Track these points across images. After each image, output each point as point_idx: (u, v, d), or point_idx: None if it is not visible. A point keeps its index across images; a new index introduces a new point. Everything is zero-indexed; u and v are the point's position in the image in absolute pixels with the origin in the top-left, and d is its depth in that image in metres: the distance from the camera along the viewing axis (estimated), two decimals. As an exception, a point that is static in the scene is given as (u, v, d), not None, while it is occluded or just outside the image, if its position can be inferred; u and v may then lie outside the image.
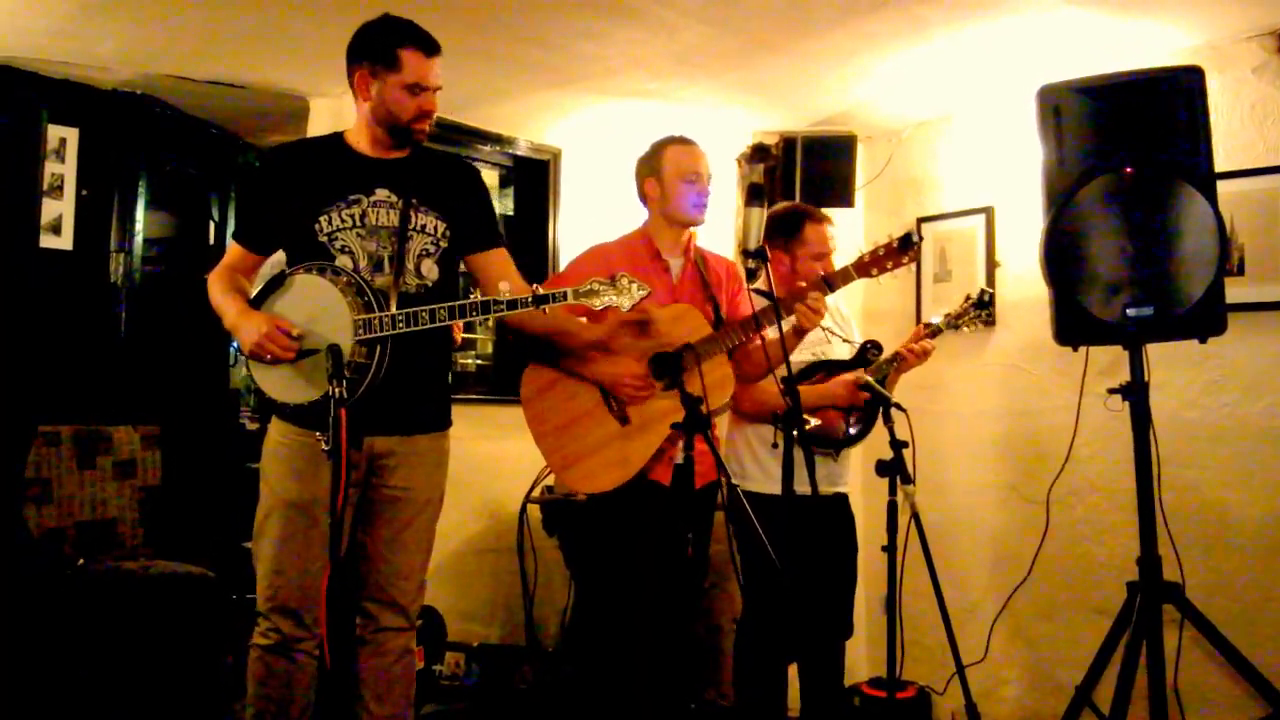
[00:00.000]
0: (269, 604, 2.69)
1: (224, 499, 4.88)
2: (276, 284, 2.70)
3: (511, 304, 2.58)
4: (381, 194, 2.77)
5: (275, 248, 2.87)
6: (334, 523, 2.37)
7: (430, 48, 2.74)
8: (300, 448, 2.67)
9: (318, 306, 2.61)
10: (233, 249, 2.86)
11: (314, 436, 2.56)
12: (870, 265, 3.26)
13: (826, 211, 3.74)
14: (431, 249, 2.81)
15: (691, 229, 3.42)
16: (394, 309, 2.62)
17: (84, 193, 4.46)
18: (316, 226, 2.70)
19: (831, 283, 3.26)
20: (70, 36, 3.96)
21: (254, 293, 2.77)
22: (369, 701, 2.78)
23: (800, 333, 3.20)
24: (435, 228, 2.82)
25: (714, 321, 3.28)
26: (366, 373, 2.57)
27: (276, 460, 2.72)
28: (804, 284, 3.24)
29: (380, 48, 2.72)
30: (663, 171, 3.34)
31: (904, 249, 3.22)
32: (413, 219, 2.78)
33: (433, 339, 2.73)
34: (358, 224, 2.73)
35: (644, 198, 3.42)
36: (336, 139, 2.86)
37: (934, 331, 3.54)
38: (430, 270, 2.80)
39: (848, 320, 3.82)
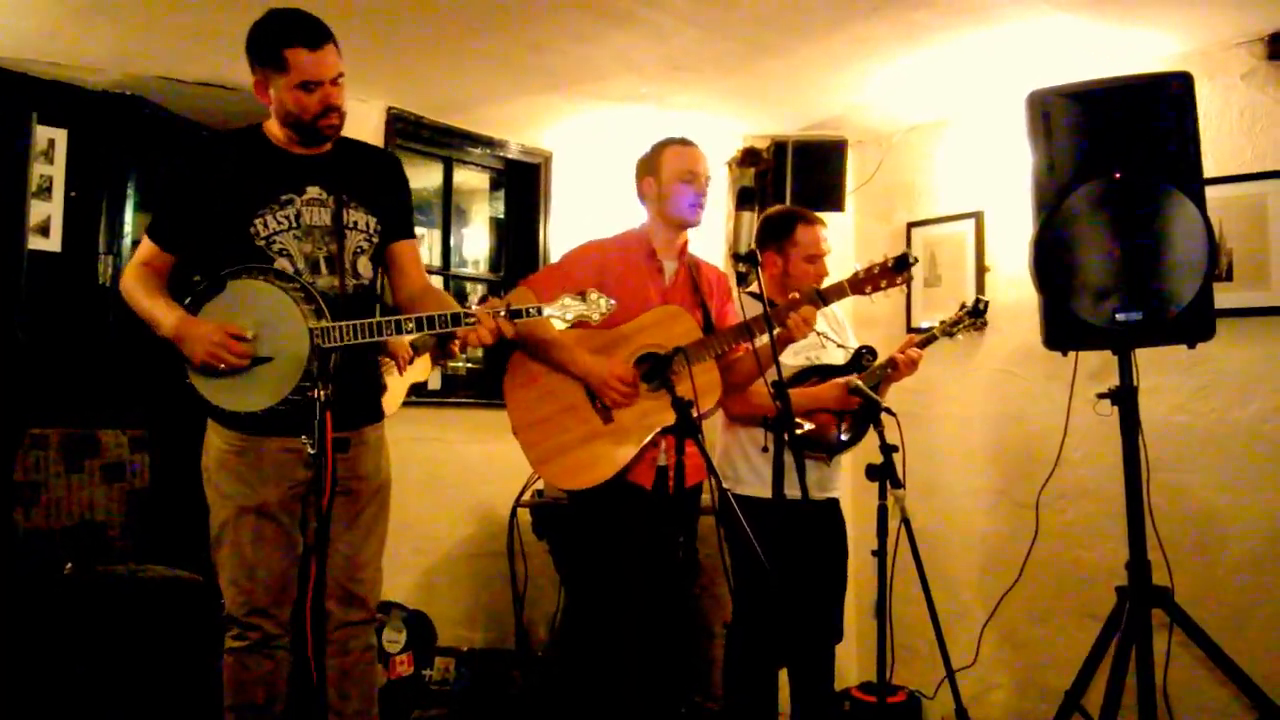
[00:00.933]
0: (244, 608, 2.67)
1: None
2: (213, 290, 2.62)
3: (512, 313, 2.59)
4: (313, 192, 2.72)
5: (193, 249, 2.74)
6: (321, 522, 2.36)
7: (314, 40, 2.59)
8: (248, 453, 2.65)
9: (265, 313, 2.57)
10: (147, 248, 2.73)
11: (262, 441, 2.59)
12: (864, 283, 3.26)
13: (818, 216, 3.74)
14: (365, 246, 2.79)
15: (686, 232, 3.41)
16: (341, 309, 2.61)
17: (73, 194, 4.45)
18: (253, 230, 2.64)
19: (825, 297, 3.26)
20: (59, 37, 3.94)
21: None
22: (334, 700, 2.76)
23: (789, 342, 3.21)
24: (367, 224, 2.79)
25: (703, 327, 3.28)
26: (322, 377, 2.53)
27: (225, 468, 2.68)
28: (797, 295, 3.24)
29: (267, 51, 2.61)
30: (661, 171, 3.34)
31: (899, 269, 3.22)
32: (346, 216, 2.74)
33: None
34: (294, 225, 2.68)
35: (642, 197, 3.42)
36: (256, 132, 2.75)
37: (929, 338, 3.55)
38: (366, 268, 2.79)
39: (843, 326, 3.83)
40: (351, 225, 2.76)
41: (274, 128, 2.73)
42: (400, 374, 3.82)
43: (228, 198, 2.64)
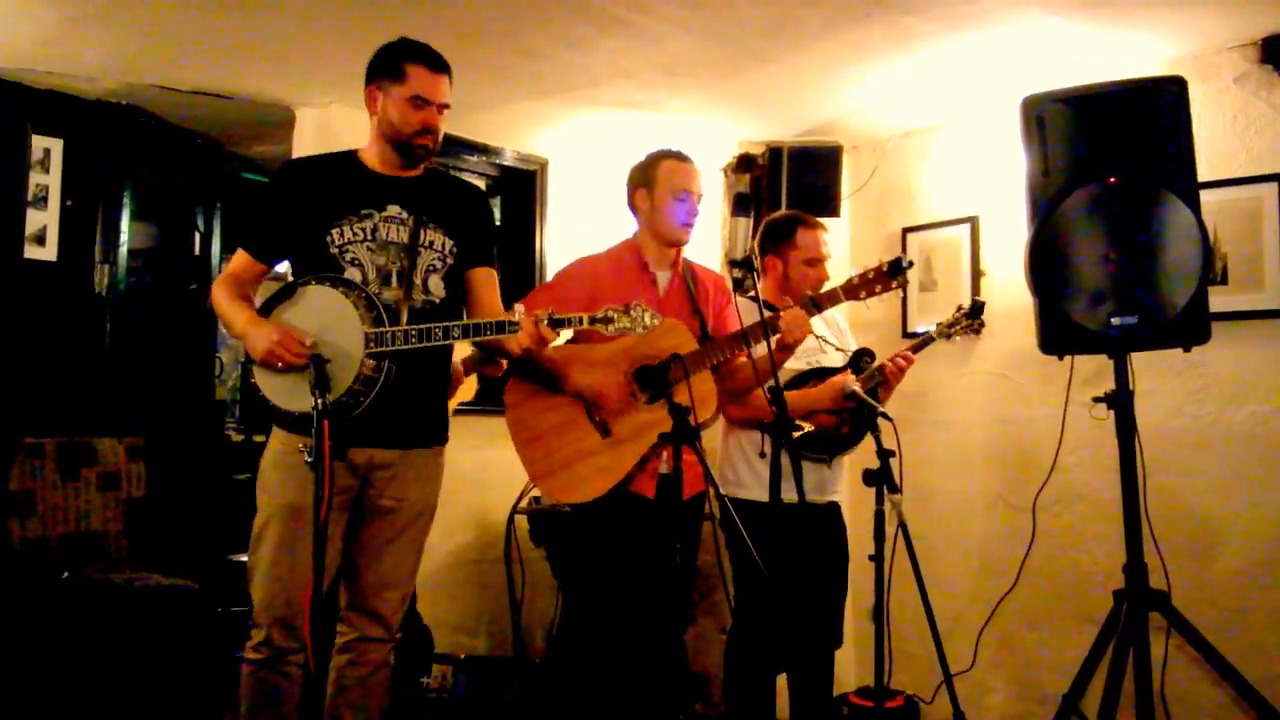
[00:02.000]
0: (266, 613, 2.69)
1: (209, 511, 4.86)
2: (285, 295, 2.73)
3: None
4: (393, 210, 2.82)
5: (282, 258, 2.91)
6: (318, 532, 2.36)
7: (437, 65, 2.80)
8: (300, 455, 2.65)
9: (328, 317, 2.64)
10: (239, 257, 2.87)
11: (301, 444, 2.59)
12: (859, 289, 3.28)
13: (819, 220, 3.76)
14: (439, 265, 2.85)
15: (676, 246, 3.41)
16: (404, 324, 2.66)
17: (68, 203, 4.45)
18: (328, 239, 2.74)
19: (819, 304, 3.27)
20: (55, 46, 3.94)
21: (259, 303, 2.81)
22: (343, 710, 2.79)
23: (786, 348, 3.21)
24: (443, 244, 2.86)
25: (700, 336, 3.28)
26: (374, 385, 2.61)
27: (277, 468, 2.74)
28: (790, 302, 3.24)
29: (389, 63, 2.79)
30: (654, 185, 3.34)
31: (893, 274, 3.24)
32: (422, 235, 2.82)
33: (435, 355, 2.77)
34: (369, 238, 2.77)
35: (634, 208, 3.42)
36: (350, 156, 2.90)
37: (925, 342, 3.56)
38: (437, 286, 2.84)
39: (844, 331, 3.84)
40: (427, 244, 2.83)
41: (368, 152, 2.88)
42: (450, 398, 3.79)
43: (311, 209, 2.77)
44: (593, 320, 2.64)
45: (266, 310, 2.73)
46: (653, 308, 3.25)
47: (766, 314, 3.07)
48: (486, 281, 2.97)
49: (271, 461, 2.77)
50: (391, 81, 2.77)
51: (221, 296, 2.79)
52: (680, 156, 3.38)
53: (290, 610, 2.67)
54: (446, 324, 2.64)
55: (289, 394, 2.65)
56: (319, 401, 2.41)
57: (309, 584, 2.44)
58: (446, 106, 2.83)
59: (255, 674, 2.70)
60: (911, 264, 3.30)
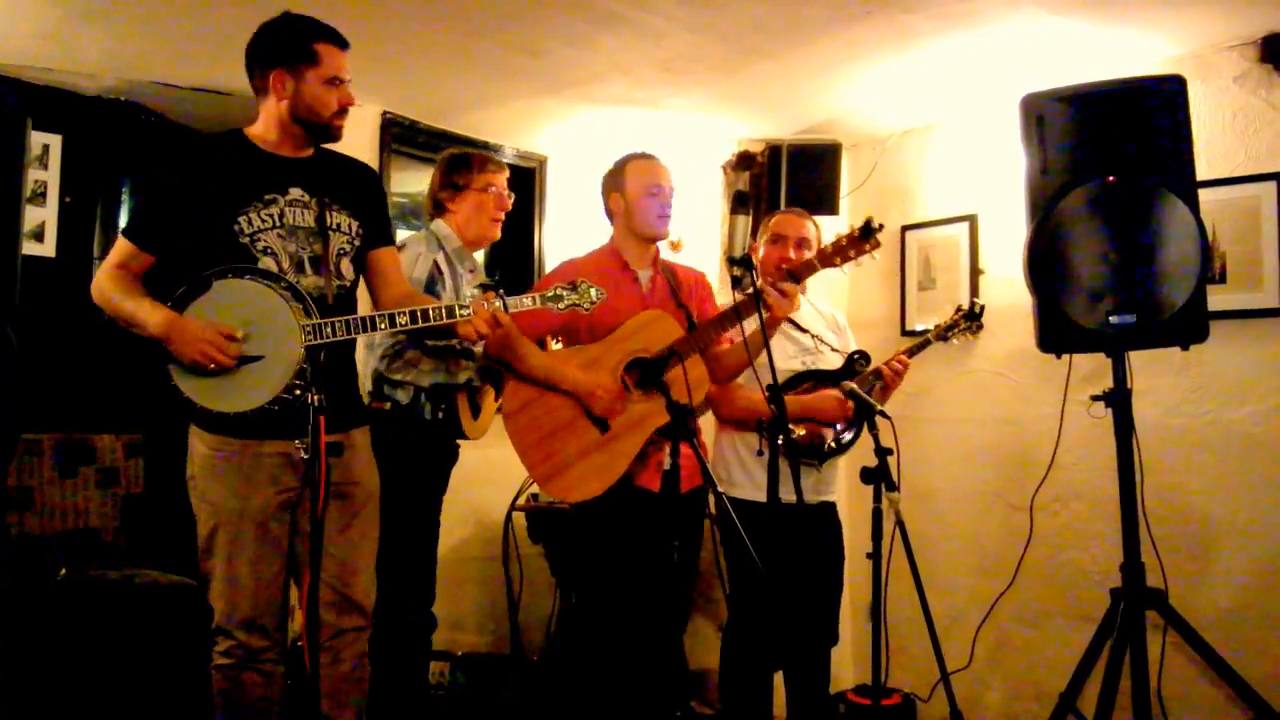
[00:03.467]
0: (229, 619, 2.64)
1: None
2: (196, 290, 2.57)
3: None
4: (296, 193, 2.72)
5: (172, 250, 2.70)
6: (315, 527, 2.35)
7: (342, 41, 2.73)
8: (235, 458, 2.62)
9: (254, 311, 2.54)
10: (123, 249, 2.69)
11: (250, 445, 2.58)
12: (833, 255, 3.32)
13: (801, 210, 3.90)
14: (347, 248, 2.80)
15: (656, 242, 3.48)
16: (329, 310, 2.61)
17: (67, 200, 4.44)
18: (236, 228, 2.62)
19: (796, 274, 3.30)
20: (54, 42, 3.94)
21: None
22: (327, 708, 2.73)
23: (776, 322, 3.23)
24: (350, 226, 2.80)
25: (686, 328, 3.31)
26: (311, 376, 2.52)
27: (212, 474, 2.64)
28: (770, 278, 3.28)
29: (296, 45, 2.68)
30: (626, 186, 3.40)
31: (864, 237, 3.30)
32: (329, 218, 2.75)
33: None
34: (277, 224, 2.68)
35: (610, 214, 3.49)
36: (238, 135, 2.76)
37: (922, 343, 3.56)
38: (348, 269, 2.80)
39: (844, 330, 3.85)
40: (335, 227, 2.76)
41: (258, 130, 2.76)
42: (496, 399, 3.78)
43: (210, 196, 2.63)
44: (543, 299, 2.64)
45: (180, 307, 2.57)
46: (638, 304, 3.30)
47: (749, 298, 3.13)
48: (392, 261, 2.93)
49: (202, 468, 2.66)
50: (304, 64, 2.66)
51: (115, 291, 2.63)
52: (645, 156, 3.45)
53: (256, 611, 2.63)
54: (394, 312, 2.58)
55: (215, 394, 2.55)
56: (313, 397, 2.36)
57: (279, 591, 2.40)
58: (349, 81, 2.76)
59: (228, 676, 2.64)
60: (881, 226, 3.32)
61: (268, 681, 2.68)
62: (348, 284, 2.78)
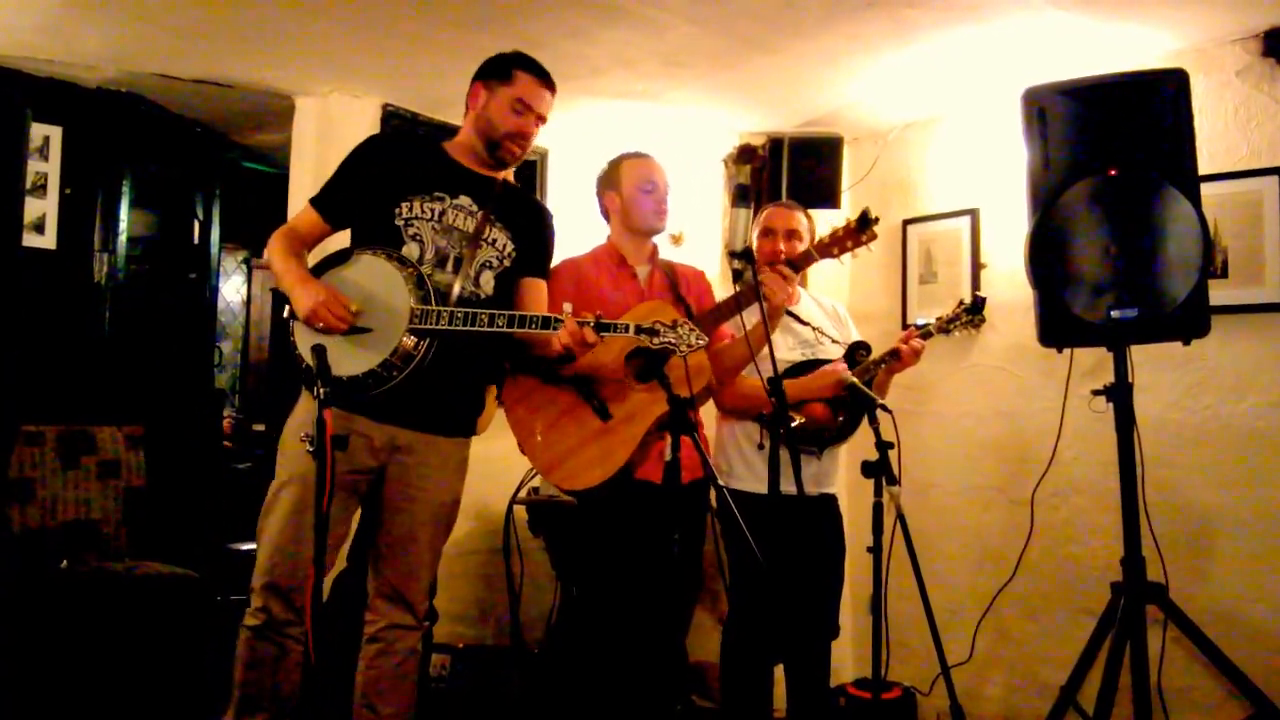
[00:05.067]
0: (263, 580, 2.70)
1: (208, 500, 4.86)
2: (339, 259, 2.77)
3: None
4: (464, 200, 2.88)
5: (348, 224, 2.94)
6: (319, 521, 2.36)
7: (545, 79, 2.93)
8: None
9: (377, 287, 2.67)
10: (307, 214, 2.90)
11: (347, 417, 2.63)
12: (831, 245, 3.33)
13: (792, 202, 3.95)
14: (495, 263, 2.90)
15: (653, 238, 3.49)
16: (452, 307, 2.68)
17: (67, 191, 4.44)
18: (396, 210, 2.78)
19: (795, 264, 3.31)
20: (54, 34, 3.94)
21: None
22: (373, 699, 2.79)
23: (775, 313, 3.24)
24: (504, 245, 2.91)
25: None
26: (410, 362, 2.63)
27: (297, 437, 2.67)
28: (768, 267, 3.29)
29: (501, 66, 2.91)
30: (621, 184, 3.43)
31: (862, 228, 3.31)
32: (486, 230, 2.87)
33: (478, 344, 2.77)
34: (435, 219, 2.82)
35: (605, 213, 3.51)
36: (435, 143, 2.99)
37: (925, 334, 3.55)
38: (488, 282, 2.88)
39: (845, 322, 3.85)
40: (489, 240, 2.89)
41: (455, 144, 2.98)
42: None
43: (386, 179, 2.83)
44: (639, 330, 2.67)
45: (319, 272, 2.76)
46: (636, 299, 3.31)
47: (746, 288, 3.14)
48: (535, 294, 3.02)
49: (294, 428, 2.77)
50: (499, 82, 2.88)
51: (278, 249, 2.80)
52: (639, 154, 3.48)
53: (290, 582, 2.67)
54: (493, 312, 2.66)
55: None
56: (319, 390, 2.38)
57: (309, 576, 2.42)
58: (543, 120, 2.94)
59: (249, 641, 2.70)
60: (878, 219, 3.33)
61: (285, 656, 2.70)
62: (482, 294, 2.86)
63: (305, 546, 2.57)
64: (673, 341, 2.66)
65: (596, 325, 2.64)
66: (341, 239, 2.99)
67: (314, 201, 2.91)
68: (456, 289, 2.77)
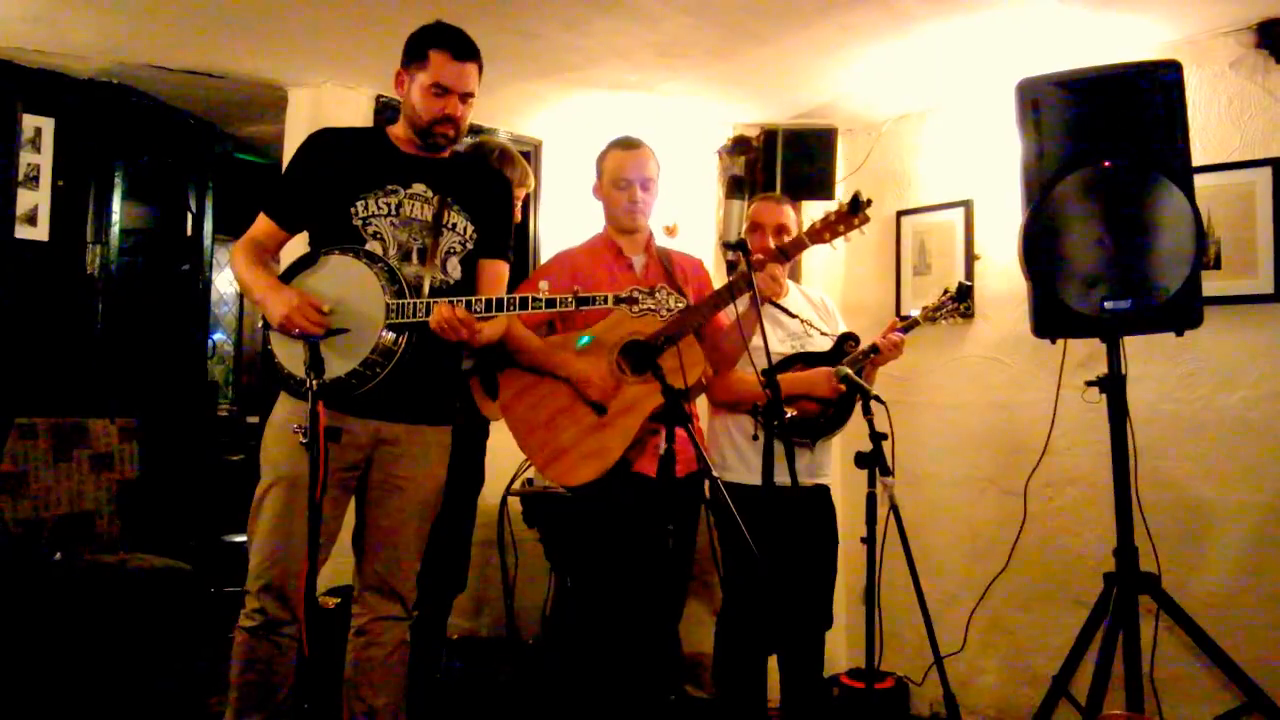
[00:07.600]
0: (258, 582, 2.70)
1: (201, 492, 4.86)
2: (306, 263, 2.74)
3: (550, 302, 2.64)
4: (418, 188, 2.84)
5: (303, 226, 2.89)
6: (313, 512, 2.36)
7: (461, 52, 2.78)
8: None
9: (349, 287, 2.65)
10: (262, 222, 2.86)
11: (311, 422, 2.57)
12: (823, 230, 3.33)
13: (779, 195, 3.92)
14: (458, 248, 2.87)
15: (646, 230, 3.48)
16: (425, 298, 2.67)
17: (60, 183, 4.43)
18: (352, 210, 2.75)
19: (786, 251, 3.31)
20: (46, 24, 3.92)
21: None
22: (363, 690, 2.79)
23: (764, 302, 3.25)
24: (465, 229, 2.88)
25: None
26: (391, 358, 2.62)
27: (281, 437, 2.71)
28: (761, 256, 3.28)
29: (415, 47, 2.81)
30: (602, 176, 3.44)
31: (854, 211, 3.29)
32: (446, 216, 2.84)
33: None
34: (392, 213, 2.79)
35: (599, 199, 3.51)
36: (379, 131, 2.93)
37: (910, 325, 3.55)
38: (454, 268, 2.86)
39: (832, 314, 3.84)
40: (450, 226, 2.85)
41: (397, 129, 2.91)
42: None
43: (336, 179, 2.78)
44: (617, 300, 2.64)
45: (288, 277, 2.73)
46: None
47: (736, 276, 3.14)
48: (495, 275, 2.98)
49: (276, 431, 2.76)
50: (416, 65, 2.79)
51: (241, 261, 2.79)
52: (624, 145, 3.44)
53: (284, 581, 2.67)
54: (468, 298, 2.64)
55: (301, 362, 2.61)
56: (311, 382, 2.38)
57: (304, 562, 2.44)
58: (470, 95, 2.82)
59: (246, 642, 2.70)
60: (870, 201, 3.31)
61: (281, 655, 2.71)
62: (450, 281, 2.84)
63: (297, 546, 2.58)
64: (652, 307, 2.65)
65: (576, 299, 2.62)
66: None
67: (265, 209, 2.87)
68: (427, 281, 2.75)
